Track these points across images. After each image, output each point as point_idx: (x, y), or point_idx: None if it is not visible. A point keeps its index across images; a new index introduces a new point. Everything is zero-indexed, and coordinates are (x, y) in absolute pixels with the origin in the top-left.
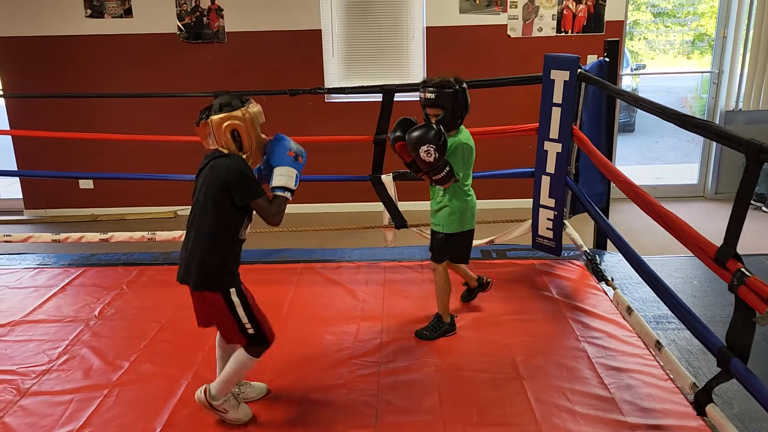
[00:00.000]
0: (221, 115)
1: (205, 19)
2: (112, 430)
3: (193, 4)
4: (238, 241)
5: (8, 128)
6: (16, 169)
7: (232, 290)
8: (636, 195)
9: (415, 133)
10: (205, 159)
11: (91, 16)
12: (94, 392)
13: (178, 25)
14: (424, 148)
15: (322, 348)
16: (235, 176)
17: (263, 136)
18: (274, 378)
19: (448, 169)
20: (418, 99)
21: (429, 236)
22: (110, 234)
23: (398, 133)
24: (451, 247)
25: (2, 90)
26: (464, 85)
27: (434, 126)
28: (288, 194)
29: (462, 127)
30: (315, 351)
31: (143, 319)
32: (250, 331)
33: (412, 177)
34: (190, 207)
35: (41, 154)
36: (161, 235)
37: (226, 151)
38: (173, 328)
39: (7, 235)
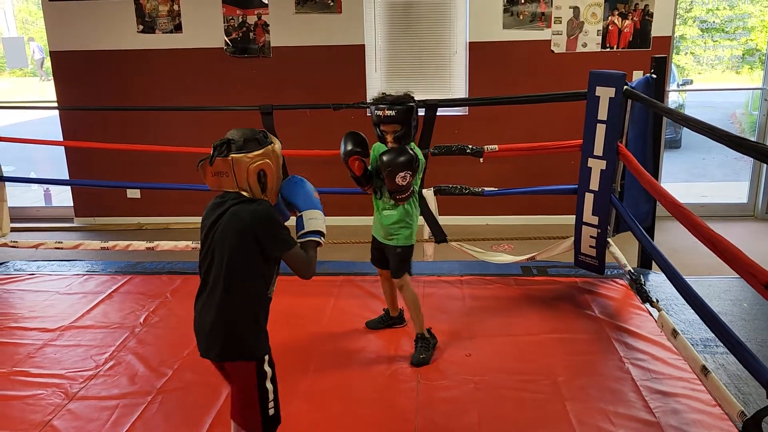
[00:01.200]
0: (248, 154)
1: (251, 34)
2: None
3: (240, 20)
4: (267, 299)
5: (62, 139)
6: (68, 178)
7: (266, 358)
8: (683, 216)
9: (398, 160)
10: (219, 203)
11: (142, 31)
12: (139, 398)
13: (225, 40)
14: (402, 174)
15: (360, 362)
16: (267, 225)
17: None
18: (311, 392)
19: (412, 187)
20: (376, 114)
21: (470, 251)
22: (156, 243)
23: (351, 147)
24: (407, 259)
25: (57, 102)
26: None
27: (409, 151)
28: (321, 239)
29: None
30: (353, 365)
31: (186, 328)
32: (271, 411)
33: (455, 192)
34: (201, 262)
35: (91, 164)
36: None
37: (246, 194)
38: None
39: (59, 242)
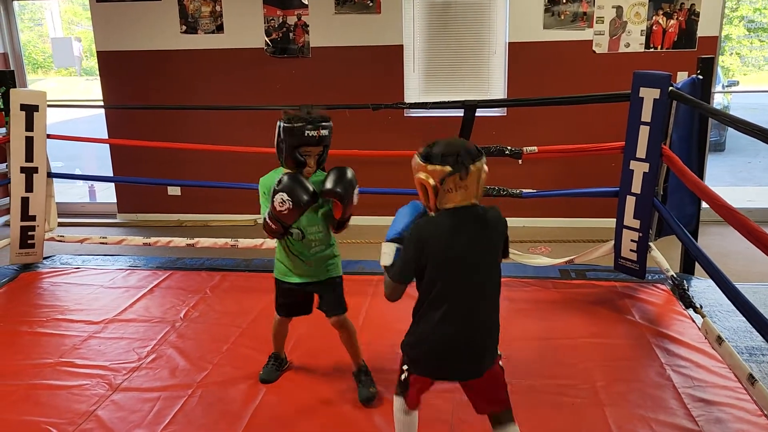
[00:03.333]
0: (482, 161)
1: (291, 34)
2: (196, 430)
3: (281, 20)
4: None
5: (107, 137)
6: (112, 175)
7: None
8: (734, 218)
9: (348, 177)
10: (458, 220)
11: (186, 32)
12: (180, 391)
13: (265, 41)
14: (356, 192)
15: (396, 361)
16: (506, 230)
17: None
18: (347, 391)
19: None
20: (309, 135)
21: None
22: (196, 239)
23: (308, 197)
24: (342, 291)
25: (103, 101)
26: None
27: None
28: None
29: None
30: (389, 364)
31: (225, 323)
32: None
33: (492, 193)
34: (463, 277)
35: (135, 162)
36: (243, 243)
37: (476, 202)
38: (253, 333)
39: (103, 237)
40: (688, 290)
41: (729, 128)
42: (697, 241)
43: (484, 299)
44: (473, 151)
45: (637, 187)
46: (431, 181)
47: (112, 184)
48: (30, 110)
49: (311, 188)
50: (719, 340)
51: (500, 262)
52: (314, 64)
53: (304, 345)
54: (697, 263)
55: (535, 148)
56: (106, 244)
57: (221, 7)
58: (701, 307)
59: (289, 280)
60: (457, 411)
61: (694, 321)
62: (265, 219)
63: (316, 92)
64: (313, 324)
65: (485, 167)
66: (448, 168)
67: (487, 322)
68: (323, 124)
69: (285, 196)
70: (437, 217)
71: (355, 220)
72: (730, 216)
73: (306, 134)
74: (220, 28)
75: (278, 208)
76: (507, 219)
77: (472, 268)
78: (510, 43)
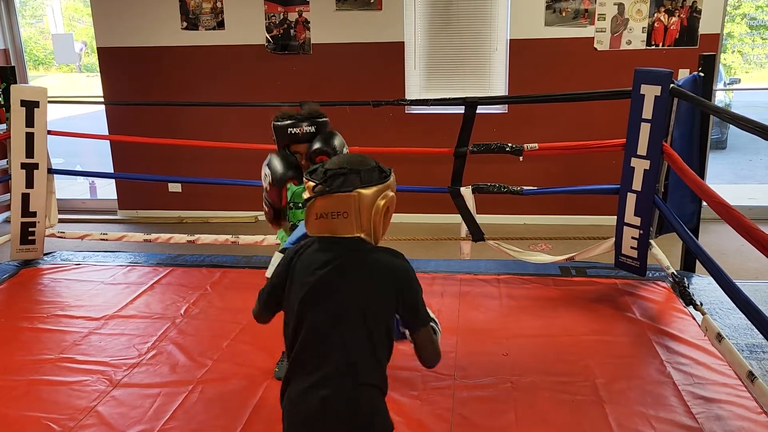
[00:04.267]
0: (379, 187)
1: (292, 31)
2: (196, 426)
3: (282, 17)
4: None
5: (108, 133)
6: (112, 171)
7: None
8: (731, 217)
9: (340, 141)
10: (331, 255)
11: (186, 28)
12: (180, 388)
13: (266, 37)
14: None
15: (395, 358)
16: (411, 283)
17: None
18: None
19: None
20: (292, 133)
21: (508, 250)
22: (197, 236)
23: (290, 171)
24: None
25: (103, 97)
26: None
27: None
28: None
29: None
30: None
31: (225, 320)
32: None
33: (493, 190)
34: (309, 337)
35: (135, 158)
36: (244, 239)
37: (367, 239)
38: (253, 330)
39: (104, 234)
40: (688, 288)
41: (731, 126)
42: (697, 238)
43: (343, 361)
44: (367, 174)
45: (637, 184)
46: (305, 195)
47: (113, 181)
48: (30, 106)
49: (295, 163)
50: (719, 337)
51: (387, 323)
52: (315, 60)
53: None
54: (697, 261)
55: (536, 145)
56: (106, 240)
57: (222, 4)
58: (701, 304)
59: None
60: (458, 408)
61: (694, 318)
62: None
63: (317, 89)
64: None
65: (384, 196)
66: (311, 185)
67: (349, 386)
68: (309, 120)
69: (267, 170)
70: (310, 242)
71: None
72: (727, 214)
73: (289, 132)
74: (220, 25)
75: (264, 186)
76: (508, 216)
77: (331, 316)
78: (511, 40)
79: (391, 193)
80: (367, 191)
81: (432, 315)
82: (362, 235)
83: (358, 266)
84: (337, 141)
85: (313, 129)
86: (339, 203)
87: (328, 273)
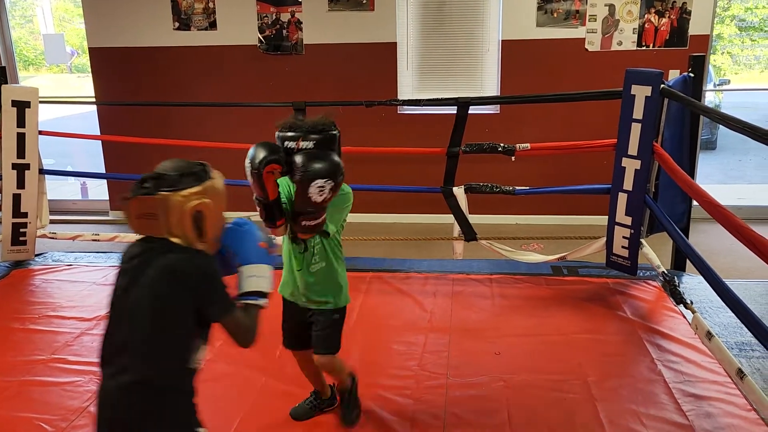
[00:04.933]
0: (185, 191)
1: (284, 31)
2: None
3: (274, 17)
4: (193, 373)
5: (99, 134)
6: (104, 172)
7: None
8: (721, 216)
9: (316, 162)
10: (139, 253)
11: (178, 28)
12: None
13: (259, 38)
14: (320, 184)
15: (389, 357)
16: (208, 284)
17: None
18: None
19: (324, 215)
20: (287, 147)
21: (500, 250)
22: None
23: (266, 154)
24: (341, 326)
25: (95, 97)
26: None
27: (336, 158)
28: (265, 302)
29: None
30: (382, 360)
31: None
32: None
33: (485, 190)
34: (108, 329)
35: (127, 159)
36: None
37: (178, 242)
38: None
39: (95, 234)
40: (678, 286)
41: (720, 126)
42: (688, 238)
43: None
44: (176, 179)
45: (628, 184)
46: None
47: (104, 181)
48: (22, 106)
49: (278, 149)
50: (709, 335)
51: (183, 323)
52: (308, 61)
53: None
54: (687, 260)
55: (528, 145)
56: (98, 241)
57: (214, 4)
58: (692, 303)
59: (283, 293)
60: (450, 407)
61: (684, 317)
62: None
63: (310, 89)
64: None
65: (196, 200)
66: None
67: (132, 395)
68: (311, 134)
69: (246, 161)
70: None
71: (348, 217)
72: (717, 213)
73: (287, 145)
74: (213, 25)
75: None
76: (500, 216)
77: (124, 316)
78: (503, 41)
79: (206, 200)
80: (174, 195)
81: (255, 287)
82: (173, 238)
83: (154, 266)
84: (321, 165)
85: (311, 145)
86: (147, 205)
87: (126, 270)
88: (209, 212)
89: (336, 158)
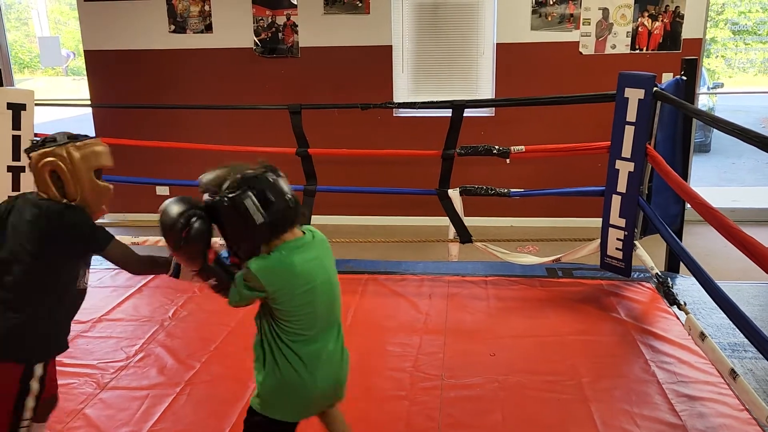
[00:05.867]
0: (40, 151)
1: (280, 34)
2: (184, 428)
3: (270, 20)
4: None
5: (94, 135)
6: None
7: (38, 367)
8: (714, 218)
9: (169, 211)
10: (10, 202)
11: (174, 31)
12: (168, 390)
13: (254, 40)
14: (168, 237)
15: (384, 358)
16: (63, 221)
17: (102, 183)
18: None
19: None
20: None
21: (495, 252)
22: None
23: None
24: None
25: (90, 100)
26: (247, 193)
27: (188, 203)
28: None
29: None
30: (377, 361)
31: (214, 323)
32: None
33: (480, 192)
34: None
35: (122, 161)
36: None
37: (43, 194)
38: (241, 332)
39: None
40: (672, 288)
41: (714, 130)
42: (681, 240)
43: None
44: (38, 145)
45: (622, 186)
46: None
47: None
48: (17, 109)
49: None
50: (702, 336)
51: (45, 261)
52: (303, 63)
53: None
54: (681, 262)
55: (523, 147)
56: None
57: (210, 7)
58: (685, 304)
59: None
60: (445, 407)
61: (678, 318)
62: None
63: (306, 92)
64: None
65: (45, 160)
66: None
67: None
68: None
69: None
70: None
71: (344, 220)
72: (709, 215)
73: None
74: (208, 28)
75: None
76: (495, 218)
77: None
78: (498, 44)
79: (51, 158)
80: (34, 155)
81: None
82: (39, 191)
83: (20, 212)
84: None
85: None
86: (28, 165)
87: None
88: (62, 173)
89: (188, 205)
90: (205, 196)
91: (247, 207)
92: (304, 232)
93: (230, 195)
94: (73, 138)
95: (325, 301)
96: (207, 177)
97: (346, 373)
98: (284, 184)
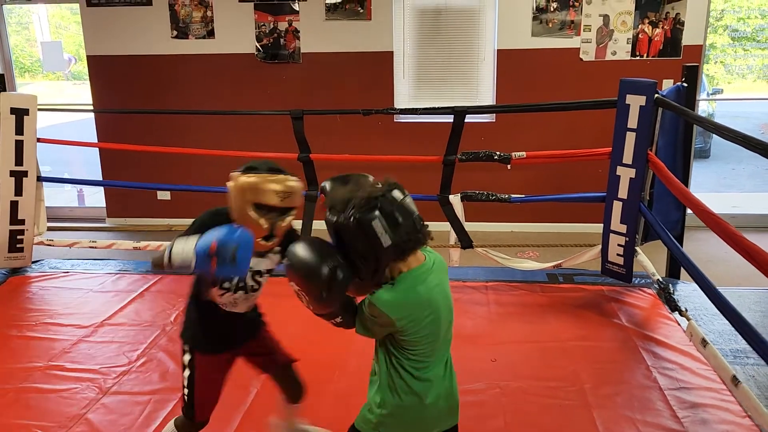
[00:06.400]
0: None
1: (282, 40)
2: None
3: (272, 26)
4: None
5: (96, 140)
6: (101, 179)
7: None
8: (716, 224)
9: (300, 254)
10: None
11: (176, 37)
12: (170, 394)
13: (256, 46)
14: (296, 284)
15: None
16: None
17: (254, 217)
18: (337, 390)
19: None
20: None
21: (496, 257)
22: None
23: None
24: None
25: (93, 105)
26: (375, 214)
27: (327, 248)
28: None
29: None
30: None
31: None
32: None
33: (481, 198)
34: None
35: (124, 166)
36: None
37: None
38: None
39: (93, 242)
40: (673, 294)
41: (714, 136)
42: (682, 245)
43: None
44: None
45: (623, 192)
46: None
47: (101, 189)
48: (20, 114)
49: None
50: (704, 342)
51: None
52: (305, 69)
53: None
54: (682, 268)
55: (524, 153)
56: (95, 248)
57: (212, 13)
58: (686, 310)
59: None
60: None
61: (679, 324)
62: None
63: (307, 97)
64: (308, 326)
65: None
66: None
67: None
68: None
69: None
70: None
71: None
72: (711, 221)
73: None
74: (211, 34)
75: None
76: (496, 224)
77: None
78: (499, 51)
79: (229, 182)
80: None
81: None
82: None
83: None
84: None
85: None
86: None
87: None
88: (229, 197)
89: (327, 251)
90: (328, 214)
91: (375, 229)
92: (425, 255)
93: (357, 216)
94: (269, 170)
95: (446, 326)
96: (331, 190)
97: (457, 393)
98: (411, 204)
